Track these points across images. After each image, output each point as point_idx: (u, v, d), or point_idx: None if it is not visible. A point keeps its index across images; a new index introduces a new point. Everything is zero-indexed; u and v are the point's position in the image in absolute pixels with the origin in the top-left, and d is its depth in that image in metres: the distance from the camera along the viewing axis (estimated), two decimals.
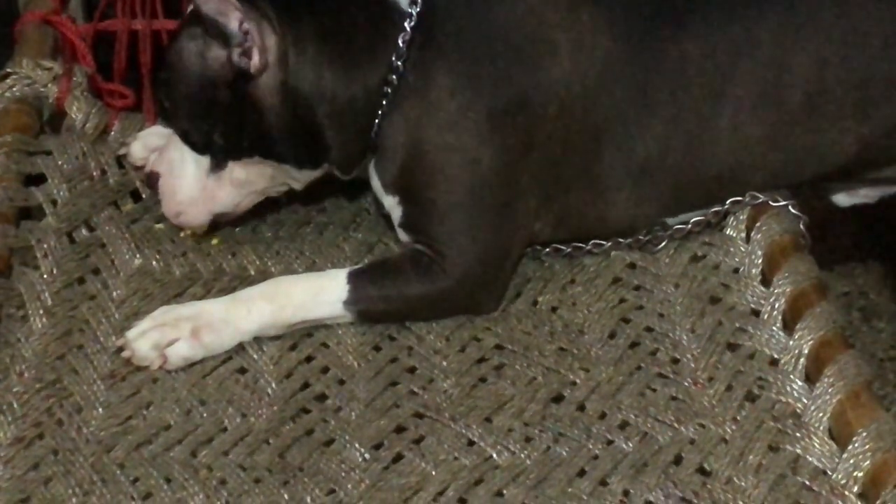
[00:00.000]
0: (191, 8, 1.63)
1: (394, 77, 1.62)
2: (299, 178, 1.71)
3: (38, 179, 1.86)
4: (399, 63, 1.62)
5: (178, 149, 1.69)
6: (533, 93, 1.64)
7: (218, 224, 1.77)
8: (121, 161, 1.92)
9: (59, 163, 1.87)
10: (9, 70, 1.98)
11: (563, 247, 1.77)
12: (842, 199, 1.87)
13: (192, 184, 1.69)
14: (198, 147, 1.67)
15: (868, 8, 1.70)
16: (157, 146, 1.86)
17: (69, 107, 1.96)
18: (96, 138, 1.95)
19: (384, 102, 1.63)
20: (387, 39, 1.62)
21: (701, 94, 1.68)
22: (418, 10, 1.63)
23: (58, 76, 1.98)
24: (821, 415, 1.49)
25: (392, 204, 1.68)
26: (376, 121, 1.64)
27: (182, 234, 1.79)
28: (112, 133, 1.96)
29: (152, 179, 1.74)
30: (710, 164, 1.71)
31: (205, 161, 1.67)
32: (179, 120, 1.67)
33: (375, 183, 1.70)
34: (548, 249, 1.77)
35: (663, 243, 1.77)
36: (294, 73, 1.60)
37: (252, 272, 1.76)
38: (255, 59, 1.59)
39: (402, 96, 1.63)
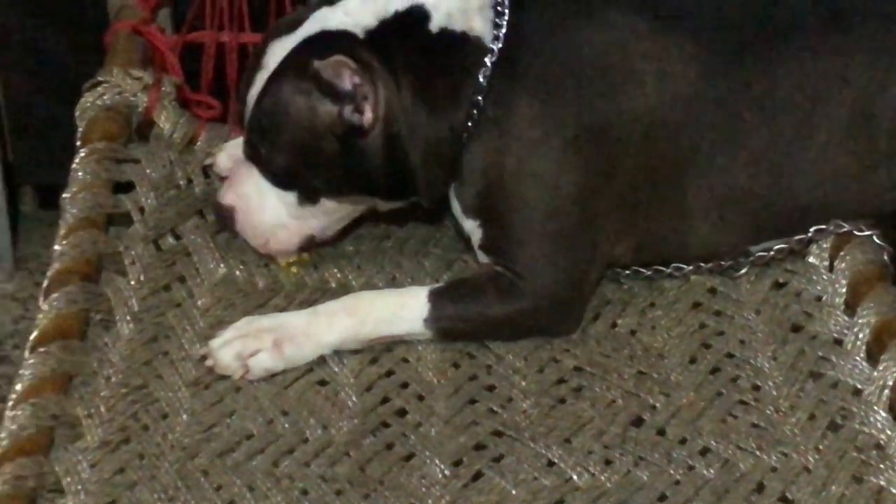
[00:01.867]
0: (291, 57, 1.63)
1: (475, 111, 1.63)
2: (386, 206, 1.73)
3: (125, 187, 1.87)
4: (480, 98, 1.62)
5: (255, 183, 1.69)
6: (616, 121, 1.64)
7: (304, 250, 1.78)
8: (206, 171, 1.93)
9: (148, 171, 1.89)
10: (99, 78, 1.99)
11: (643, 270, 1.76)
12: None
13: (275, 215, 1.70)
14: (287, 187, 1.67)
15: None
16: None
17: (157, 116, 1.98)
18: (183, 148, 1.96)
19: (465, 135, 1.63)
20: (470, 77, 1.63)
21: (790, 124, 1.68)
22: (500, 45, 1.63)
23: (147, 86, 1.99)
24: None
25: (472, 227, 1.69)
26: (459, 152, 1.64)
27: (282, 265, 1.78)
28: (198, 143, 1.97)
29: (225, 213, 1.73)
30: (796, 194, 1.71)
31: (288, 195, 1.68)
32: (275, 165, 1.66)
33: (456, 207, 1.70)
34: (627, 272, 1.76)
35: (744, 269, 1.76)
36: (396, 122, 1.61)
37: (333, 285, 1.77)
38: (368, 115, 1.60)
39: (483, 128, 1.63)
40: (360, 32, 1.63)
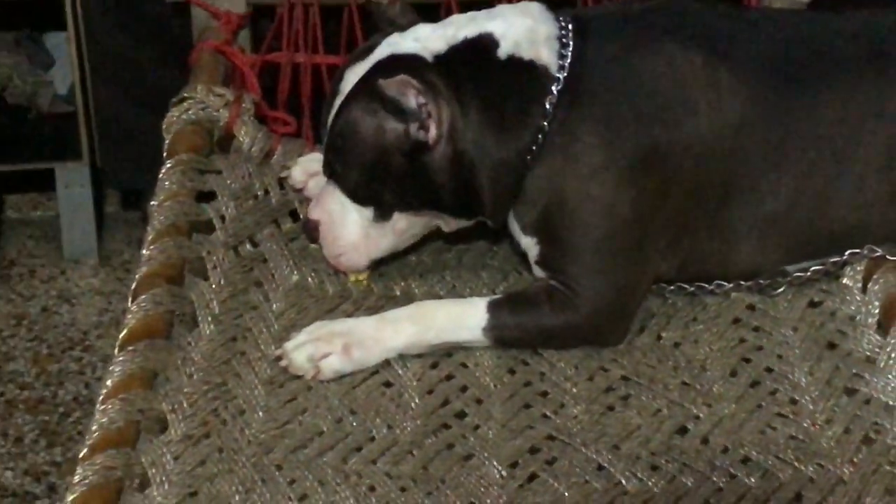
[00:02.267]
0: (361, 79, 1.60)
1: (541, 136, 1.59)
2: (453, 225, 1.69)
3: (207, 196, 1.85)
4: (546, 123, 1.59)
5: (338, 200, 1.66)
6: (671, 148, 1.60)
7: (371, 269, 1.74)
8: (281, 182, 1.90)
9: (228, 182, 1.86)
10: (185, 95, 1.97)
11: (686, 286, 1.72)
12: None
13: (354, 230, 1.66)
14: (364, 203, 1.64)
15: None
16: (316, 172, 1.85)
17: (238, 131, 1.95)
18: (261, 161, 1.93)
19: (530, 158, 1.60)
20: (537, 103, 1.59)
21: (830, 154, 1.64)
22: (565, 74, 1.60)
23: (229, 102, 1.97)
24: None
25: (530, 244, 1.65)
26: (523, 174, 1.61)
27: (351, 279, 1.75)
28: (275, 156, 1.95)
29: (311, 226, 1.69)
30: (833, 219, 1.67)
31: (366, 211, 1.64)
32: (350, 181, 1.62)
33: (514, 225, 1.67)
34: (672, 287, 1.72)
35: (782, 288, 1.72)
36: (461, 141, 1.58)
37: (397, 293, 1.74)
38: (433, 132, 1.57)
39: (547, 151, 1.59)
40: (428, 56, 1.60)
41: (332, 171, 1.65)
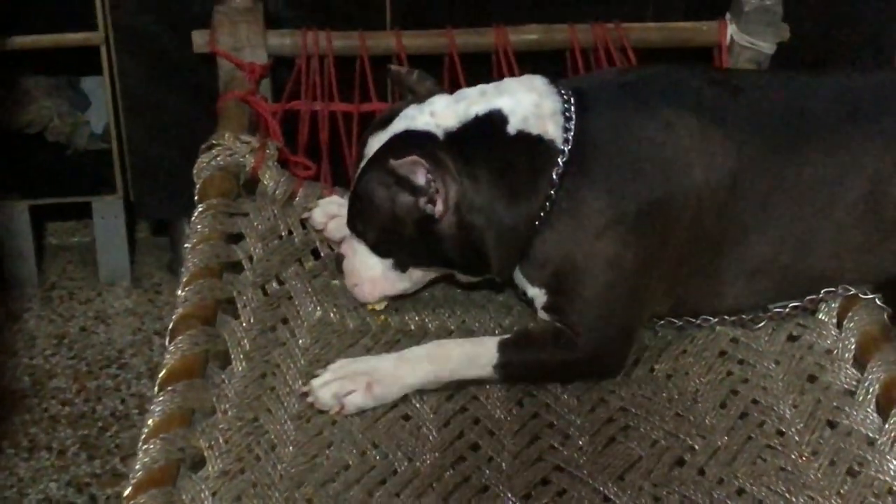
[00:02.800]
0: (379, 151, 1.55)
1: (548, 203, 1.53)
2: (464, 279, 1.64)
3: (234, 238, 1.77)
4: (553, 192, 1.53)
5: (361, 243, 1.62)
6: (670, 205, 1.54)
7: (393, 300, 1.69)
8: (303, 223, 1.83)
9: (255, 224, 1.79)
10: (214, 142, 1.89)
11: (675, 320, 1.66)
12: None
13: (372, 269, 1.61)
14: (383, 255, 1.60)
15: None
16: (334, 214, 1.79)
17: (262, 175, 1.87)
18: (284, 203, 1.85)
19: (537, 224, 1.54)
20: (544, 175, 1.53)
21: (812, 207, 1.59)
22: (570, 147, 1.53)
23: (254, 149, 1.89)
24: None
25: (537, 293, 1.59)
26: (530, 239, 1.55)
27: (369, 307, 1.69)
28: (297, 198, 1.87)
29: (339, 258, 1.66)
30: (813, 265, 1.61)
31: (385, 261, 1.61)
32: (369, 238, 1.59)
33: (522, 279, 1.60)
34: (661, 322, 1.66)
35: (763, 322, 1.66)
36: (469, 212, 1.52)
37: (412, 327, 1.67)
38: (439, 207, 1.51)
39: (555, 217, 1.54)
40: (440, 133, 1.54)
41: (354, 228, 1.61)
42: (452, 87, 2.08)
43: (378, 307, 1.67)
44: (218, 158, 1.87)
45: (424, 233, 1.53)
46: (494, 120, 1.54)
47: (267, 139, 1.93)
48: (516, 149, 1.54)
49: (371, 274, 1.61)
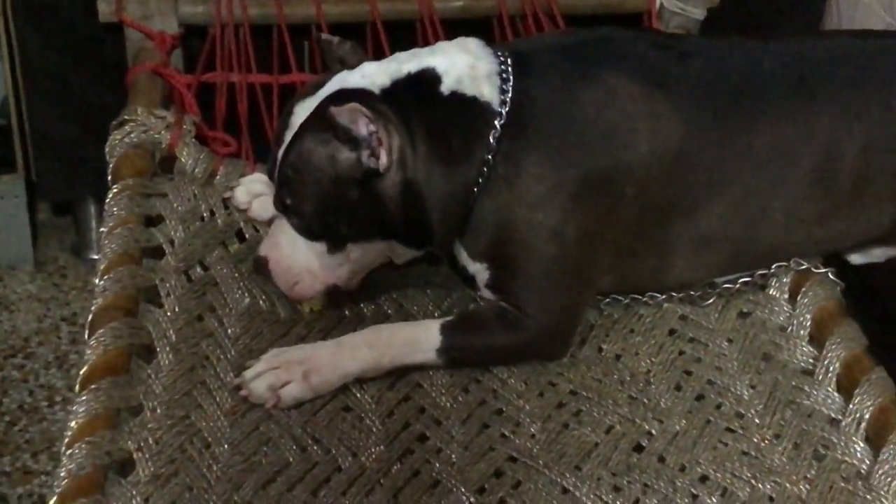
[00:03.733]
0: (312, 112, 1.43)
1: (486, 169, 1.44)
2: (404, 255, 1.52)
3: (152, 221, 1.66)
4: (490, 157, 1.44)
5: (288, 234, 1.47)
6: (614, 175, 1.47)
7: (330, 297, 1.56)
8: (226, 203, 1.71)
9: (175, 205, 1.68)
10: (126, 118, 1.77)
11: (621, 297, 1.59)
12: (856, 258, 1.69)
13: (307, 258, 1.47)
14: (317, 237, 1.46)
15: None
16: (259, 192, 1.69)
17: (180, 152, 1.76)
18: (205, 181, 1.74)
19: (476, 190, 1.45)
20: (481, 137, 1.44)
21: (762, 178, 1.52)
22: (507, 109, 1.45)
23: (170, 124, 1.77)
24: (889, 479, 1.32)
25: (479, 269, 1.50)
26: (469, 207, 1.46)
27: (305, 309, 1.57)
28: (218, 177, 1.76)
29: (262, 263, 1.50)
30: (764, 238, 1.55)
31: (318, 245, 1.47)
32: (303, 214, 1.44)
33: (462, 253, 1.51)
34: (608, 299, 1.59)
35: (711, 299, 1.60)
36: (411, 170, 1.42)
37: (347, 313, 1.58)
38: (383, 159, 1.41)
39: (492, 183, 1.45)
40: (375, 90, 1.44)
41: (284, 206, 1.46)
42: (376, 55, 1.99)
43: (315, 307, 1.56)
44: (131, 135, 1.75)
45: (366, 195, 1.42)
46: (428, 78, 1.45)
47: (183, 114, 1.82)
48: (451, 110, 1.45)
49: (308, 265, 1.48)
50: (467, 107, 1.45)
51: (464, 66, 1.47)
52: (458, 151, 1.44)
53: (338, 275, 1.49)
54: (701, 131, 1.49)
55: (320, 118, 1.42)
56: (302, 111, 1.45)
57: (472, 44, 1.51)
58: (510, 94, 1.45)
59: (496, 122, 1.44)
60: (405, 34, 2.04)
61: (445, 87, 1.46)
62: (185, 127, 1.78)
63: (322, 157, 1.42)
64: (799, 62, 1.55)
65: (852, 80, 1.54)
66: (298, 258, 1.47)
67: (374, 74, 1.46)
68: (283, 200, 1.46)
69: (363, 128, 1.40)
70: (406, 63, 1.47)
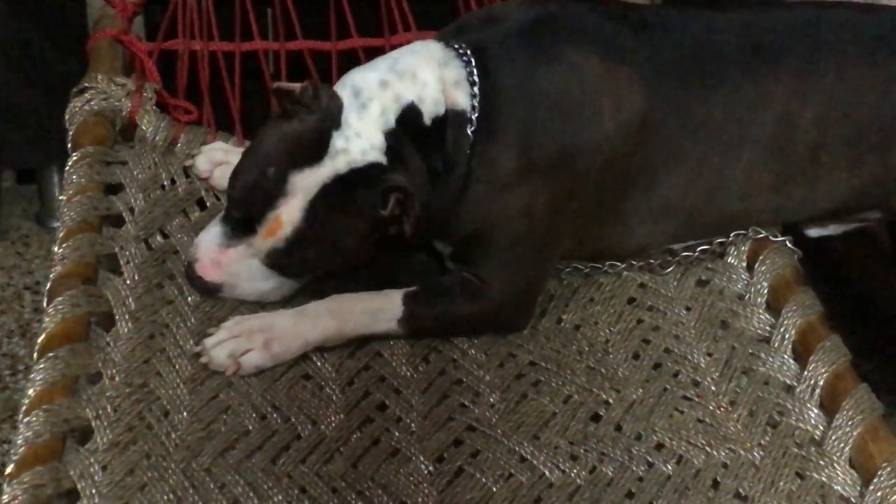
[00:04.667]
0: (339, 194, 1.40)
1: (466, 177, 1.44)
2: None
3: (112, 189, 1.64)
4: (470, 164, 1.43)
5: (246, 265, 1.45)
6: (580, 152, 1.46)
7: None
8: (187, 171, 1.70)
9: (135, 173, 1.66)
10: (86, 85, 1.75)
11: (581, 266, 1.59)
12: (812, 231, 1.70)
13: (270, 285, 1.47)
14: (295, 275, 1.46)
15: (863, 75, 1.55)
16: (220, 160, 1.68)
17: (140, 120, 1.74)
18: (165, 150, 1.72)
19: (457, 199, 1.45)
20: (461, 150, 1.43)
21: (720, 146, 1.52)
22: (477, 115, 1.43)
23: (130, 92, 1.75)
24: (842, 445, 1.33)
25: (445, 246, 1.51)
26: (455, 212, 1.46)
27: None
28: (178, 145, 1.74)
29: (210, 287, 1.47)
30: (722, 205, 1.56)
31: (287, 280, 1.47)
32: (297, 272, 1.45)
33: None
34: (568, 269, 1.59)
35: (671, 268, 1.60)
36: (415, 209, 1.41)
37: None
38: (408, 228, 1.39)
39: (472, 186, 1.44)
40: (383, 160, 1.40)
41: (282, 268, 1.44)
42: (339, 28, 1.98)
43: None
44: (91, 102, 1.73)
45: (375, 244, 1.44)
46: (411, 118, 1.42)
47: (144, 81, 1.79)
48: (436, 136, 1.43)
49: (268, 290, 1.48)
50: (444, 126, 1.43)
51: (434, 84, 1.43)
52: (447, 173, 1.43)
53: (294, 291, 1.49)
54: (660, 102, 1.49)
55: (349, 200, 1.40)
56: (301, 181, 1.39)
57: (434, 48, 1.47)
58: (478, 99, 1.43)
59: (469, 131, 1.43)
60: (368, 2, 2.02)
61: (427, 117, 1.42)
62: (145, 94, 1.76)
63: (353, 231, 1.41)
64: (755, 32, 1.55)
65: (808, 49, 1.55)
66: (263, 285, 1.46)
67: (366, 134, 1.40)
68: (286, 265, 1.43)
69: (390, 210, 1.39)
70: (387, 103, 1.42)
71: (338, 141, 1.40)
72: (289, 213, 1.39)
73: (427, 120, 1.43)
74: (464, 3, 2.03)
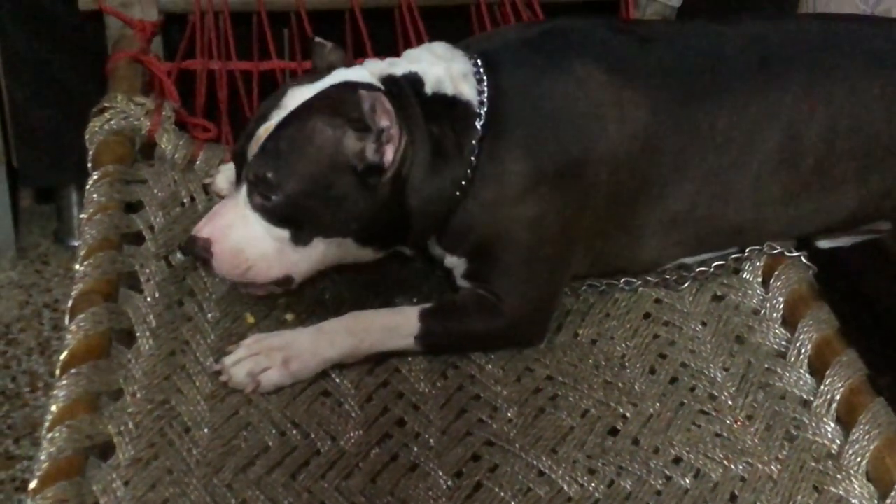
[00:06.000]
0: (323, 92, 1.40)
1: (469, 171, 1.44)
2: (366, 256, 1.49)
3: (132, 207, 1.65)
4: (473, 158, 1.44)
5: (240, 214, 1.40)
6: (588, 162, 1.47)
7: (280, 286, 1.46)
8: (206, 188, 1.71)
9: (155, 191, 1.67)
10: (106, 104, 1.76)
11: (597, 283, 1.60)
12: (824, 242, 1.71)
13: (262, 243, 1.40)
14: (284, 222, 1.39)
15: (871, 88, 1.56)
16: None
17: (160, 138, 1.76)
18: (184, 167, 1.74)
19: (459, 192, 1.45)
20: (467, 138, 1.44)
21: (727, 159, 1.53)
22: (486, 109, 1.45)
23: (149, 111, 1.77)
24: (859, 459, 1.33)
25: (456, 263, 1.51)
26: (452, 207, 1.46)
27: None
28: (198, 163, 1.75)
29: (201, 245, 1.40)
30: (731, 217, 1.57)
31: (279, 231, 1.39)
32: (282, 194, 1.37)
33: (437, 250, 1.52)
34: (584, 286, 1.59)
35: (686, 283, 1.60)
36: (407, 170, 1.42)
37: (328, 296, 1.57)
38: (389, 156, 1.39)
39: (478, 184, 1.45)
40: (380, 86, 1.43)
41: (259, 180, 1.38)
42: (355, 47, 2.00)
43: (288, 317, 1.53)
44: (111, 122, 1.75)
45: (358, 188, 1.38)
46: (412, 81, 1.45)
47: (163, 100, 1.81)
48: (438, 111, 1.44)
49: (263, 250, 1.40)
50: (451, 107, 1.45)
51: (440, 68, 1.47)
52: (449, 153, 1.44)
53: (296, 264, 1.42)
54: (665, 115, 1.50)
55: (334, 99, 1.38)
56: (298, 95, 1.41)
57: (440, 48, 1.51)
58: (486, 94, 1.45)
59: (477, 123, 1.45)
60: (384, 22, 2.03)
61: (429, 88, 1.45)
62: (164, 113, 1.77)
63: (328, 138, 1.37)
64: (761, 45, 1.56)
65: (815, 63, 1.55)
66: (253, 242, 1.39)
67: (371, 75, 1.44)
68: (262, 174, 1.37)
69: (379, 120, 1.37)
70: (389, 68, 1.47)
71: (343, 71, 1.43)
72: (272, 120, 1.39)
73: (428, 91, 1.44)
74: (478, 21, 2.05)
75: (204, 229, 1.41)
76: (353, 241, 1.44)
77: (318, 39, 1.51)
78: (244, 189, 1.40)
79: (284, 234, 1.40)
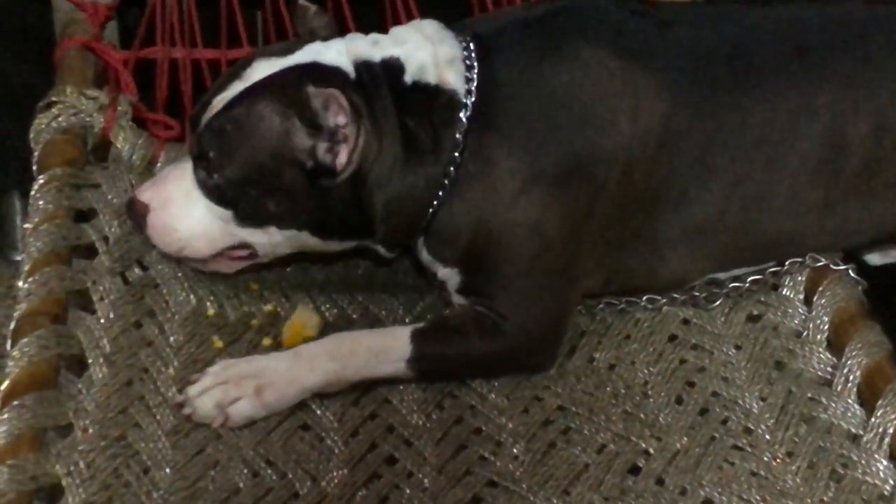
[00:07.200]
0: (278, 73, 1.43)
1: (452, 168, 1.46)
2: (335, 248, 1.53)
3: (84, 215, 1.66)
4: (458, 154, 1.45)
5: (183, 188, 1.47)
6: (594, 160, 1.48)
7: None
8: None
9: (109, 197, 1.68)
10: (53, 98, 1.77)
11: (615, 301, 1.60)
12: (874, 258, 1.71)
13: (196, 221, 1.47)
14: (226, 204, 1.45)
15: None
16: None
17: (115, 137, 1.76)
18: (143, 170, 1.74)
19: (441, 192, 1.46)
20: (448, 131, 1.46)
21: (760, 159, 1.54)
22: (473, 99, 1.46)
23: (103, 105, 1.77)
24: None
25: (449, 274, 1.52)
26: (431, 208, 1.47)
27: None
28: (158, 164, 1.76)
29: (137, 211, 1.50)
30: (766, 226, 1.57)
31: (220, 210, 1.46)
32: (224, 175, 1.43)
33: (426, 257, 1.53)
34: (601, 305, 1.60)
35: (718, 301, 1.61)
36: (368, 168, 1.43)
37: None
38: (342, 158, 1.41)
39: (462, 182, 1.46)
40: (351, 73, 1.44)
41: (202, 155, 1.45)
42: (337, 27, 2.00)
43: (266, 342, 1.54)
44: (59, 119, 1.75)
45: (307, 185, 1.42)
46: (392, 67, 1.47)
47: (118, 94, 1.82)
48: (415, 102, 1.46)
49: (200, 230, 1.48)
50: (433, 97, 1.46)
51: (425, 52, 1.48)
52: (422, 148, 1.45)
53: (229, 241, 1.49)
54: (687, 109, 1.51)
55: (287, 86, 1.42)
56: (263, 68, 1.45)
57: (430, 27, 1.52)
58: (475, 82, 1.47)
59: (462, 116, 1.46)
60: (370, 4, 2.05)
61: (408, 76, 1.47)
62: (120, 108, 1.78)
63: (274, 129, 1.41)
64: (797, 30, 1.57)
65: (860, 51, 1.56)
66: (189, 222, 1.47)
67: (347, 55, 1.46)
68: (205, 151, 1.44)
69: (332, 119, 1.40)
70: (370, 48, 1.48)
71: (318, 47, 1.46)
72: (230, 92, 1.44)
73: (408, 79, 1.46)
74: (479, 4, 2.06)
75: (145, 193, 1.50)
76: (309, 233, 1.47)
77: (301, 2, 1.52)
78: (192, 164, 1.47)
79: (227, 213, 1.46)
